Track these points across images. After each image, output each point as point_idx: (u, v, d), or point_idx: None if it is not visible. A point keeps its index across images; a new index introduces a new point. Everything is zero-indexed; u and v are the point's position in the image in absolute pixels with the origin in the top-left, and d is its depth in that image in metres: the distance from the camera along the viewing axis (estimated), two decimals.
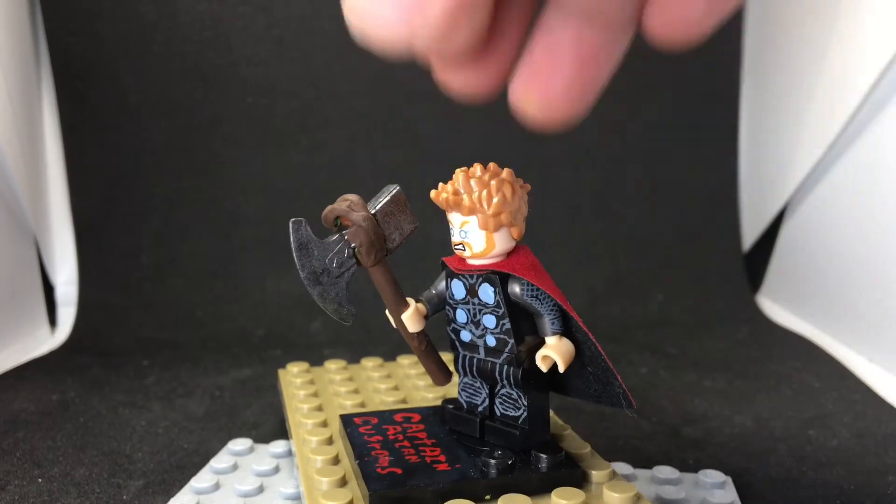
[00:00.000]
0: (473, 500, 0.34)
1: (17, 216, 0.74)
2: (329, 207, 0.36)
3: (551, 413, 0.41)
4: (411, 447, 0.38)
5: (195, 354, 0.70)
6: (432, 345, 0.39)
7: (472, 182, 0.35)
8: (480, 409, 0.39)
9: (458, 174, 0.35)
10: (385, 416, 0.42)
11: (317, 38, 0.81)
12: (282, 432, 0.52)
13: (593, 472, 0.37)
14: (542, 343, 0.36)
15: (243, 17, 0.80)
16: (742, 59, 0.89)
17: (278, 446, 0.46)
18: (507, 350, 0.36)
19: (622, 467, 0.44)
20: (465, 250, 0.36)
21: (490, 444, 0.37)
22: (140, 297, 0.79)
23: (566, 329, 0.36)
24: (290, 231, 0.35)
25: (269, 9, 0.80)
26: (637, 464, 0.46)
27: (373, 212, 0.36)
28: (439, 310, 0.38)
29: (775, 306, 0.84)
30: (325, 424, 0.43)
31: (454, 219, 0.36)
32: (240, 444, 0.47)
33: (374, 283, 0.37)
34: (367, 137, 0.83)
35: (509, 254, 0.36)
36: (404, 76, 0.83)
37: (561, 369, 0.35)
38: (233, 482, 0.42)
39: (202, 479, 0.42)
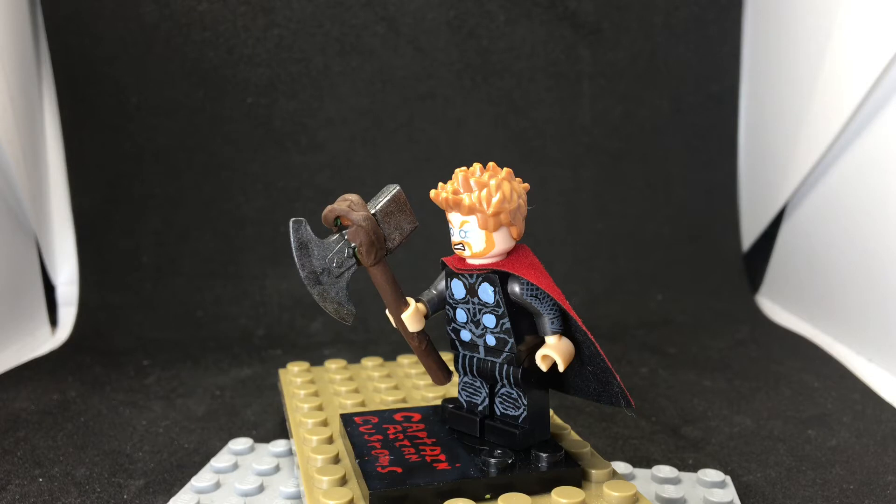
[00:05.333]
0: (473, 499, 0.34)
1: (18, 216, 0.74)
2: (329, 207, 0.36)
3: (551, 412, 0.41)
4: (411, 446, 0.38)
5: (195, 354, 0.70)
6: (432, 344, 0.39)
7: (472, 182, 0.35)
8: (480, 408, 0.39)
9: (458, 174, 0.35)
10: (385, 416, 0.42)
11: (317, 38, 0.81)
12: (282, 432, 0.52)
13: (593, 471, 0.37)
14: (541, 342, 0.36)
15: (243, 17, 0.80)
16: (742, 59, 0.89)
17: (279, 445, 0.46)
18: (506, 349, 0.37)
19: (622, 466, 0.44)
20: (464, 250, 0.36)
21: (490, 444, 0.37)
22: (140, 297, 0.79)
23: (566, 328, 0.36)
24: (291, 231, 0.35)
25: (269, 9, 0.80)
26: (636, 463, 0.47)
27: (373, 211, 0.36)
28: (439, 309, 0.39)
29: (775, 306, 0.84)
30: (325, 424, 0.43)
31: (454, 218, 0.36)
32: (240, 443, 0.47)
33: (374, 283, 0.37)
34: (367, 137, 0.83)
35: (509, 253, 0.36)
36: (405, 76, 0.83)
37: (561, 369, 0.35)
38: (233, 481, 0.42)
39: (203, 479, 0.42)
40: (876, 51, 0.64)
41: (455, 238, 0.36)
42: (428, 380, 0.49)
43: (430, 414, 0.42)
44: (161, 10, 0.79)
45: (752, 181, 0.89)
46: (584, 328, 0.35)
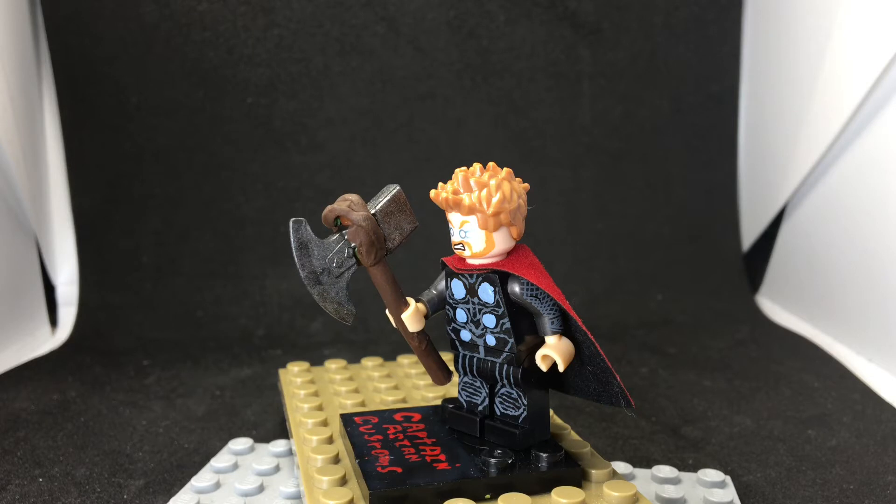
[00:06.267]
0: (473, 499, 0.34)
1: (18, 216, 0.74)
2: (329, 207, 0.36)
3: (551, 412, 0.41)
4: (411, 446, 0.38)
5: (195, 354, 0.70)
6: (432, 344, 0.39)
7: (472, 182, 0.35)
8: (480, 408, 0.39)
9: (458, 174, 0.35)
10: (385, 416, 0.42)
11: (317, 38, 0.81)
12: (282, 432, 0.52)
13: (593, 471, 0.37)
14: (541, 342, 0.36)
15: (243, 17, 0.80)
16: (742, 59, 0.89)
17: (279, 445, 0.46)
18: (506, 349, 0.37)
19: (622, 466, 0.44)
20: (464, 250, 0.36)
21: (490, 444, 0.37)
22: (140, 297, 0.79)
23: (566, 328, 0.36)
24: (291, 231, 0.35)
25: (269, 9, 0.80)
26: (636, 463, 0.47)
27: (373, 211, 0.36)
28: (439, 309, 0.39)
29: (775, 306, 0.84)
30: (325, 424, 0.43)
31: (454, 218, 0.36)
32: (240, 443, 0.47)
33: (374, 283, 0.37)
34: (367, 137, 0.83)
35: (509, 253, 0.36)
36: (405, 76, 0.83)
37: (561, 369, 0.35)
38: (233, 481, 0.42)
39: (203, 479, 0.42)
40: (876, 51, 0.64)
41: (455, 238, 0.36)
42: (428, 380, 0.49)
43: (430, 414, 0.42)
44: (161, 10, 0.79)
45: (752, 181, 0.89)
46: (584, 328, 0.35)
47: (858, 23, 0.67)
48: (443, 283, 0.38)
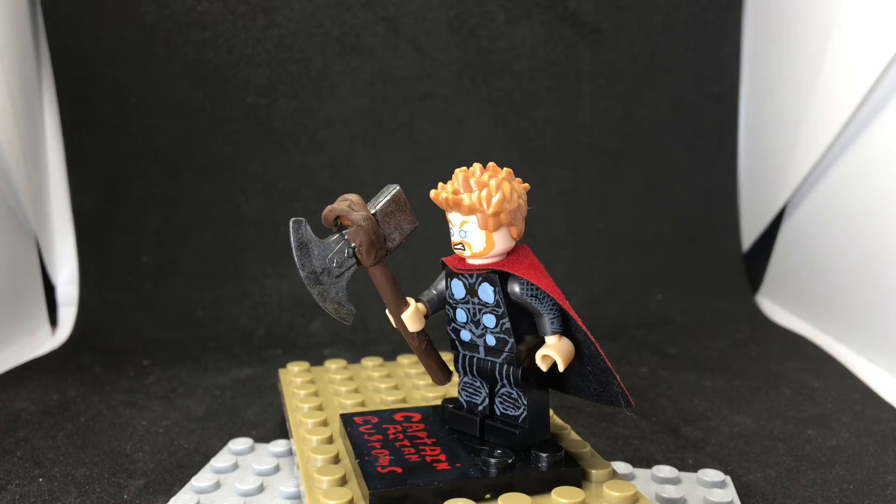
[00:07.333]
0: (473, 499, 0.34)
1: (18, 216, 0.74)
2: (329, 207, 0.36)
3: (551, 412, 0.41)
4: (411, 446, 0.38)
5: (195, 354, 0.70)
6: (432, 344, 0.39)
7: (472, 182, 0.35)
8: (480, 408, 0.39)
9: (458, 174, 0.35)
10: (385, 416, 0.42)
11: (317, 38, 0.81)
12: (282, 432, 0.52)
13: (593, 471, 0.37)
14: (541, 342, 0.36)
15: (243, 17, 0.80)
16: (742, 59, 0.89)
17: (279, 445, 0.46)
18: (506, 349, 0.37)
19: (622, 466, 0.44)
20: (464, 250, 0.36)
21: (490, 444, 0.37)
22: (140, 297, 0.79)
23: (566, 328, 0.36)
24: (291, 231, 0.35)
25: (269, 9, 0.80)
26: (636, 463, 0.47)
27: (373, 211, 0.36)
28: (439, 309, 0.39)
29: (775, 306, 0.84)
30: (325, 424, 0.43)
31: (454, 218, 0.36)
32: (240, 443, 0.47)
33: (374, 283, 0.37)
34: (367, 137, 0.83)
35: (509, 253, 0.36)
36: (405, 76, 0.83)
37: (561, 369, 0.35)
38: (233, 481, 0.42)
39: (203, 479, 0.42)
40: (876, 51, 0.64)
41: (455, 238, 0.36)
42: (428, 380, 0.49)
43: (430, 414, 0.42)
44: (161, 10, 0.79)
45: (752, 181, 0.89)
46: (584, 328, 0.35)
47: (858, 23, 0.67)
48: (443, 283, 0.38)
